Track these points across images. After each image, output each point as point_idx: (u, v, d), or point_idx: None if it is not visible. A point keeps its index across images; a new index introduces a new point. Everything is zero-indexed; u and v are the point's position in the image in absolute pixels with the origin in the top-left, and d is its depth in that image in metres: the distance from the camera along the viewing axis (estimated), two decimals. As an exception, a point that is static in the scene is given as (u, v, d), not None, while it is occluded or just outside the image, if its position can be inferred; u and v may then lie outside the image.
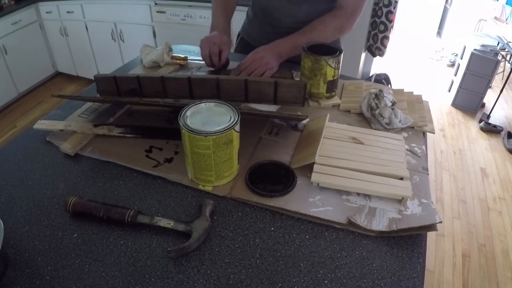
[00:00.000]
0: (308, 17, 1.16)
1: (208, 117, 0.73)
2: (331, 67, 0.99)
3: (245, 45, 1.40)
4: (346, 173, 0.77)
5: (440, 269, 1.88)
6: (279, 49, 1.09)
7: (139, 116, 0.99)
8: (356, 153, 0.83)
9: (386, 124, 0.93)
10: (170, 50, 1.26)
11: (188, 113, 0.73)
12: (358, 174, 0.77)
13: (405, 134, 0.94)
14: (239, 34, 1.47)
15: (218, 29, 1.19)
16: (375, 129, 0.94)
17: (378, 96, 0.97)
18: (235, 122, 0.70)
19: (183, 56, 1.27)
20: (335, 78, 1.03)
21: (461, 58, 3.34)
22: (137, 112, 1.01)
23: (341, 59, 1.01)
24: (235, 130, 0.70)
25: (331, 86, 1.04)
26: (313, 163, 0.79)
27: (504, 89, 3.23)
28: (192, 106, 0.74)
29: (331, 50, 1.02)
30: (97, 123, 0.94)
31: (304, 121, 0.96)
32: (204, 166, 0.72)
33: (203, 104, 0.75)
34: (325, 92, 1.04)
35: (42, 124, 0.91)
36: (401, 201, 0.72)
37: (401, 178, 0.77)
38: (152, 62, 1.25)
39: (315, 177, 0.76)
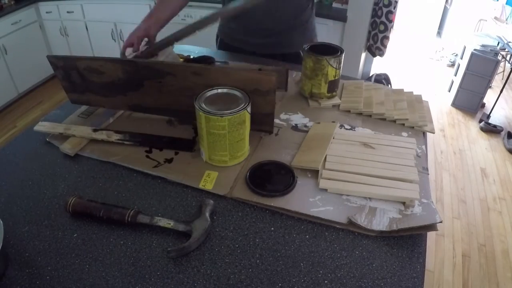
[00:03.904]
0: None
1: (221, 101, 0.78)
2: (333, 67, 0.99)
3: (225, 47, 1.40)
4: (355, 178, 0.76)
5: (440, 269, 1.88)
6: None
7: (139, 118, 0.99)
8: (365, 158, 0.82)
9: None
10: (172, 46, 1.26)
11: (203, 97, 0.78)
12: (367, 178, 0.76)
13: (405, 134, 0.94)
14: (217, 36, 1.45)
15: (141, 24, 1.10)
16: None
17: None
18: (247, 103, 0.75)
19: (186, 55, 1.28)
20: (336, 78, 1.03)
21: (461, 58, 3.33)
22: (138, 109, 1.00)
23: (342, 59, 1.01)
24: (248, 112, 0.76)
25: (332, 86, 1.04)
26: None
27: (504, 89, 3.22)
28: (207, 91, 0.80)
29: (333, 50, 1.02)
30: (97, 125, 0.94)
31: (309, 123, 0.95)
32: (219, 147, 0.77)
33: (216, 90, 0.81)
34: (326, 92, 1.04)
35: (42, 126, 0.91)
36: (405, 203, 0.72)
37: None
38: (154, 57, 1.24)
39: (323, 183, 0.76)
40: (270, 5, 1.17)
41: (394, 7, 2.39)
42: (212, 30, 1.30)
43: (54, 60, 0.92)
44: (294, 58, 1.28)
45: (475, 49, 3.10)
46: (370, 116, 1.01)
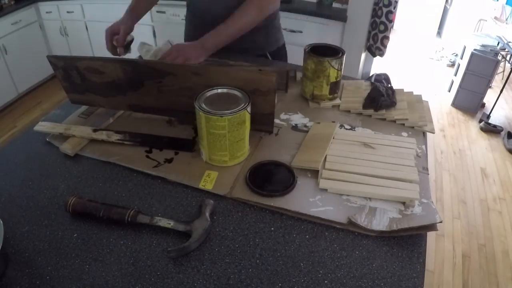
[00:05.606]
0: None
1: (221, 101, 0.78)
2: (334, 68, 0.99)
3: None
4: (355, 178, 0.76)
5: (440, 269, 1.88)
6: (202, 41, 1.09)
7: (139, 118, 0.99)
8: (365, 158, 0.82)
9: None
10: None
11: (203, 97, 0.78)
12: (367, 178, 0.76)
13: (405, 134, 0.94)
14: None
15: (124, 16, 1.21)
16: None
17: None
18: (247, 103, 0.75)
19: None
20: (338, 79, 1.02)
21: (461, 58, 3.33)
22: (137, 109, 1.01)
23: (344, 60, 1.01)
24: (248, 112, 0.76)
25: (334, 87, 1.04)
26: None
27: (504, 89, 3.22)
28: (207, 91, 0.79)
29: (334, 51, 1.02)
30: (97, 125, 0.94)
31: (309, 123, 0.95)
32: (219, 147, 0.77)
33: (216, 90, 0.81)
34: (328, 94, 1.04)
35: (43, 126, 0.91)
36: (405, 203, 0.72)
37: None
38: (154, 58, 1.24)
39: (323, 183, 0.76)
40: (227, 10, 1.14)
41: (394, 7, 2.39)
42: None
43: (54, 60, 0.92)
44: (261, 61, 1.29)
45: (475, 49, 3.10)
46: (370, 116, 1.01)
